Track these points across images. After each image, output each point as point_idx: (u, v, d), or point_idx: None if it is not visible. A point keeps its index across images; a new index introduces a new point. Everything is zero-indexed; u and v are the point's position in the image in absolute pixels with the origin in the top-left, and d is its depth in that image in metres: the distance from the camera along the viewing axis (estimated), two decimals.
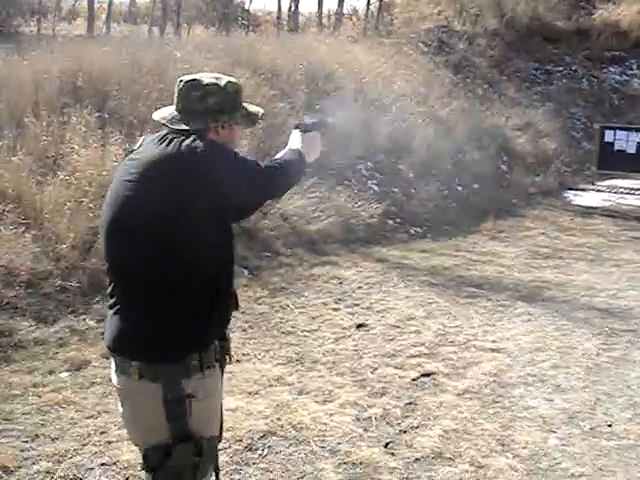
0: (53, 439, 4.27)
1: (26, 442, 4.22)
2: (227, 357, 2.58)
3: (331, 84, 11.73)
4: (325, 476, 3.99)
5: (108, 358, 5.41)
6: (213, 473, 2.63)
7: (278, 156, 2.71)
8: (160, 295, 2.36)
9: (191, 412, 2.40)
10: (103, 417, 4.56)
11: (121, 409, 2.55)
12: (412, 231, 10.32)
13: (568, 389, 5.29)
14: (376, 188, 10.77)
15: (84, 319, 6.00)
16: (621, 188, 15.25)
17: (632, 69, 19.67)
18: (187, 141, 2.35)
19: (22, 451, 4.11)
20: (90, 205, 6.92)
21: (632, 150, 15.12)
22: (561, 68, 19.47)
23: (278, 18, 21.01)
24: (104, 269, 6.43)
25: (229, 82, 2.54)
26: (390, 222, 10.23)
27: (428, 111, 13.16)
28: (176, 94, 2.53)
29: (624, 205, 13.87)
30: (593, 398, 5.15)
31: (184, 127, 2.45)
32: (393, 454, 4.26)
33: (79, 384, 5.03)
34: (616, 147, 15.20)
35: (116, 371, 2.51)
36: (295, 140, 2.83)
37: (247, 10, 25.66)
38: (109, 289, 2.52)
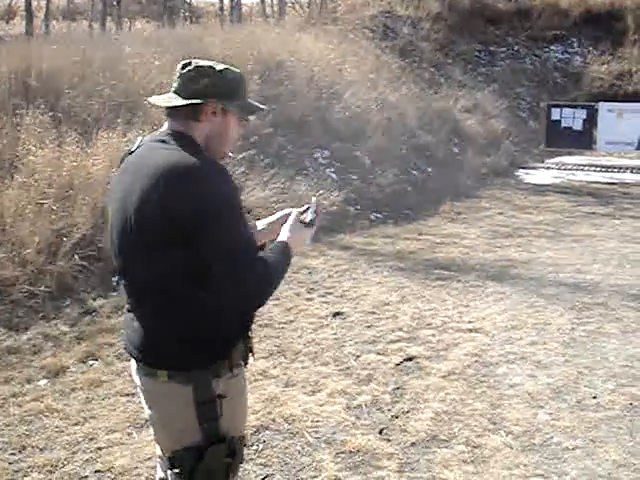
0: (41, 449, 4.15)
1: (14, 454, 4.10)
2: (250, 354, 2.52)
3: (283, 73, 11.65)
4: (325, 467, 3.96)
5: (85, 363, 5.33)
6: None
7: (271, 252, 2.41)
8: (183, 305, 2.27)
9: (222, 412, 2.33)
10: (90, 423, 4.45)
11: (148, 411, 2.46)
12: (373, 217, 10.34)
13: (549, 364, 5.35)
14: (334, 176, 10.76)
15: (56, 324, 5.86)
16: (569, 165, 15.52)
17: (573, 47, 20.03)
18: (195, 160, 2.23)
19: (11, 464, 3.99)
20: (52, 207, 6.75)
21: (578, 127, 15.42)
22: (504, 49, 19.73)
23: (221, 9, 20.77)
24: (75, 272, 6.31)
25: (227, 69, 2.43)
26: (351, 209, 10.23)
27: (379, 97, 13.18)
28: (175, 77, 2.45)
29: (574, 181, 14.13)
30: (575, 372, 5.21)
31: (177, 103, 2.35)
32: (389, 440, 4.25)
33: (59, 391, 4.90)
34: (563, 124, 15.48)
35: (138, 372, 2.43)
36: (286, 230, 2.53)
37: (189, 2, 25.32)
38: (126, 295, 2.43)
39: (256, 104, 2.54)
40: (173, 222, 2.18)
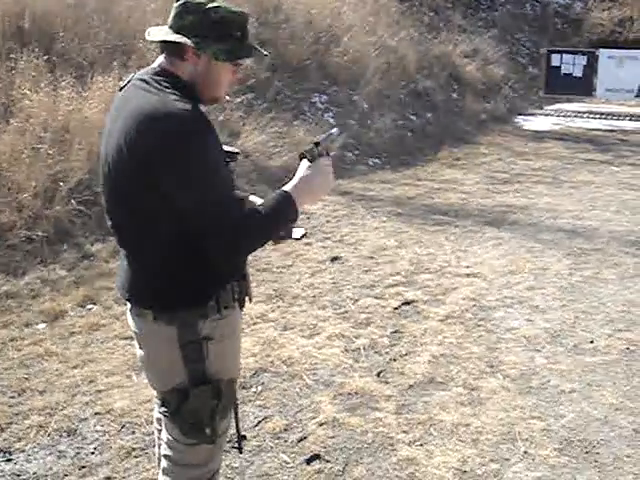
0: (41, 392, 4.17)
1: (13, 397, 4.12)
2: (247, 297, 2.49)
3: (280, 16, 11.45)
4: (323, 408, 3.99)
5: (84, 307, 5.34)
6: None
7: (265, 204, 2.25)
8: (165, 246, 2.22)
9: (208, 354, 2.31)
10: (89, 366, 4.47)
11: (139, 352, 2.46)
12: (371, 162, 10.29)
13: (547, 309, 5.37)
14: (332, 121, 10.64)
15: (54, 269, 5.84)
16: (569, 111, 15.41)
17: None
18: (173, 105, 2.12)
19: (10, 407, 4.01)
20: (49, 152, 6.68)
21: (578, 73, 15.24)
22: None
23: None
24: (72, 217, 6.29)
25: (218, 7, 2.26)
26: (349, 154, 10.16)
27: (378, 41, 12.99)
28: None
29: (574, 128, 14.04)
30: (572, 317, 5.24)
31: (157, 37, 2.26)
32: (387, 382, 4.28)
33: (58, 335, 4.91)
34: (563, 71, 15.31)
35: (131, 311, 2.42)
36: (295, 179, 2.30)
37: None
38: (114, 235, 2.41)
39: (250, 48, 2.35)
40: (147, 172, 2.11)
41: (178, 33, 2.24)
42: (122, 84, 2.38)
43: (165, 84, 2.21)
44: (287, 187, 2.26)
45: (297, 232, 2.49)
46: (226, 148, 2.38)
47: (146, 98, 2.18)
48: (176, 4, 2.28)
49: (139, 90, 2.23)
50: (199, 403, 2.33)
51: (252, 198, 2.60)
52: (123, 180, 2.20)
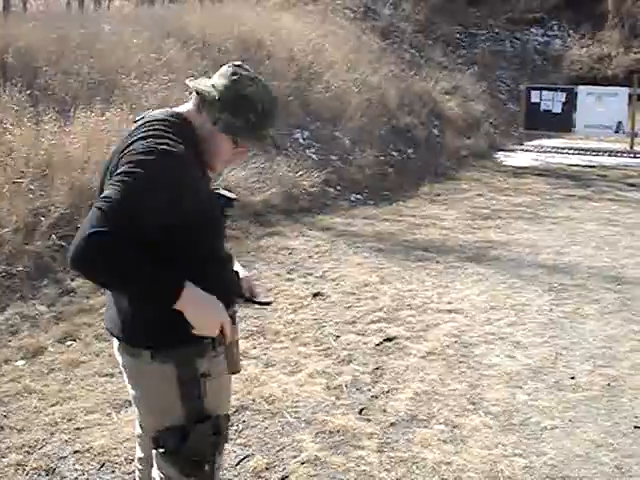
0: (19, 430, 4.11)
1: None
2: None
3: (263, 52, 11.57)
4: (304, 447, 3.96)
5: (64, 343, 5.28)
6: None
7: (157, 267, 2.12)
8: None
9: (206, 391, 2.31)
10: (68, 404, 4.42)
11: (131, 391, 2.43)
12: (353, 198, 10.34)
13: (528, 345, 5.38)
14: (315, 157, 10.73)
15: (34, 304, 5.80)
16: (548, 147, 15.58)
17: (553, 30, 20.07)
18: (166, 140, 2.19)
19: None
20: (30, 187, 6.66)
21: (558, 110, 15.44)
22: (484, 31, 19.75)
23: None
24: (53, 252, 6.22)
25: (262, 86, 2.35)
26: (331, 190, 10.22)
27: (359, 77, 13.14)
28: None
29: (553, 164, 14.20)
30: (553, 352, 5.25)
31: (198, 91, 2.34)
32: (369, 420, 4.26)
33: (37, 371, 4.86)
34: (542, 107, 15.50)
35: (118, 349, 2.40)
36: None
37: None
38: None
39: (252, 140, 2.42)
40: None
41: (213, 104, 2.32)
42: (137, 118, 2.42)
43: (173, 126, 2.27)
44: (191, 286, 2.13)
45: (264, 298, 2.59)
46: (224, 193, 2.44)
47: (144, 133, 2.22)
48: (226, 73, 2.36)
49: (141, 128, 2.27)
50: (200, 440, 2.32)
51: (237, 267, 2.65)
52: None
